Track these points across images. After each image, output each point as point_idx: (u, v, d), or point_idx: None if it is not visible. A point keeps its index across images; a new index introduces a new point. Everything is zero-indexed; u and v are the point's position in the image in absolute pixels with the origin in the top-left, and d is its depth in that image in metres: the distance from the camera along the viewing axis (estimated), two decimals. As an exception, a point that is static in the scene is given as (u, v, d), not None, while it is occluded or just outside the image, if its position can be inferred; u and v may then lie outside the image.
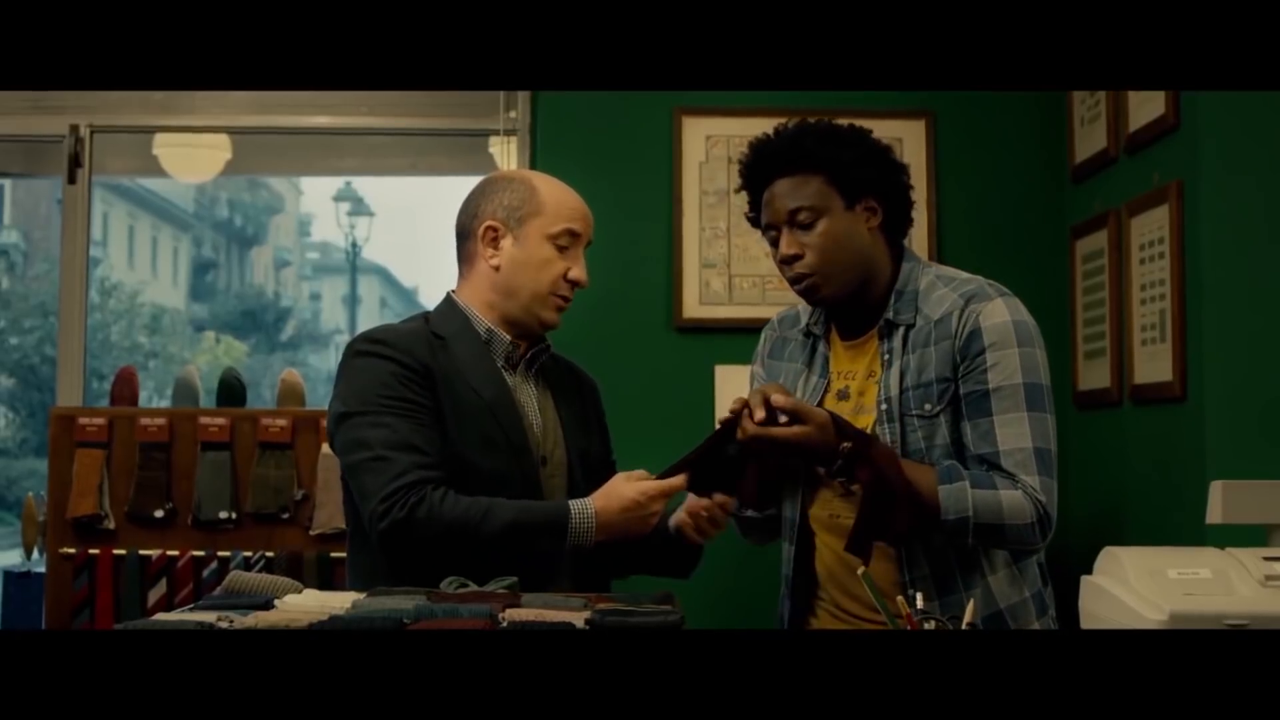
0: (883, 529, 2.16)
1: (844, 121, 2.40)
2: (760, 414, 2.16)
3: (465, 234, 2.44)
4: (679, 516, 2.39)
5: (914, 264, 2.38)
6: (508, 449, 2.33)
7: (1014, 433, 2.21)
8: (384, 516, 2.20)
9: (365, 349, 2.34)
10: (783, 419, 2.16)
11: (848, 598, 2.34)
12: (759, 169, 2.36)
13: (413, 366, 2.30)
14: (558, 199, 2.40)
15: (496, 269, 2.39)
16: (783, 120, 2.43)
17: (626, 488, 2.27)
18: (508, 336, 2.40)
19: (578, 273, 2.39)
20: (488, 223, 2.39)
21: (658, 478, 2.29)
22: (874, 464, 2.14)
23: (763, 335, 2.61)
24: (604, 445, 2.58)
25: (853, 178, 2.29)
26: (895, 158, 2.38)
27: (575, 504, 2.27)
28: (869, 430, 2.27)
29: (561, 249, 2.38)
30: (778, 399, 2.16)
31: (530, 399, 2.43)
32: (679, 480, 2.27)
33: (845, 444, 2.15)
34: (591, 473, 2.44)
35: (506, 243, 2.39)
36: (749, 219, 2.44)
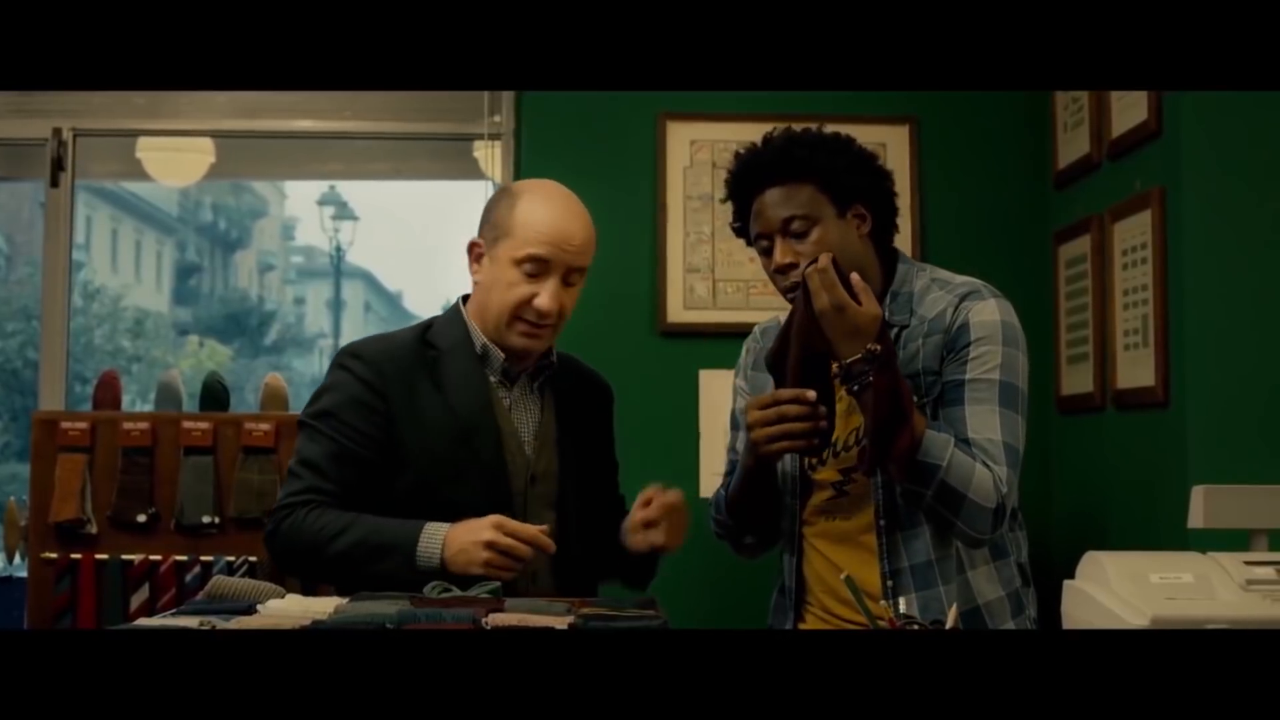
0: (887, 447, 2.15)
1: (829, 128, 2.41)
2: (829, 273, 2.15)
3: None
4: (630, 529, 2.36)
5: (909, 266, 2.40)
6: (478, 473, 2.32)
7: (985, 423, 2.23)
8: (265, 529, 2.33)
9: (342, 360, 2.37)
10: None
11: (836, 601, 2.35)
12: (749, 178, 2.36)
13: (374, 388, 2.31)
14: (530, 221, 2.31)
15: (477, 285, 2.39)
16: (768, 126, 2.44)
17: (484, 520, 2.20)
18: (502, 354, 2.38)
19: (542, 300, 2.30)
20: (473, 239, 2.39)
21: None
22: (893, 373, 2.13)
23: (745, 347, 2.61)
24: (603, 461, 2.55)
25: (844, 185, 2.30)
26: (881, 165, 2.39)
27: (430, 527, 2.21)
28: (859, 429, 2.27)
29: (529, 275, 2.31)
30: (856, 276, 2.18)
31: (528, 416, 2.41)
32: (542, 537, 2.20)
33: (875, 345, 2.13)
34: (588, 487, 2.43)
35: (485, 261, 2.37)
36: (734, 229, 2.43)
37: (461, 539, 2.17)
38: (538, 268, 2.31)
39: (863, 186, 2.33)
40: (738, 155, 2.39)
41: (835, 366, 2.21)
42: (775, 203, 2.31)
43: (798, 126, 2.40)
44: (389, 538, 2.21)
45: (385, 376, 2.32)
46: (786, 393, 2.19)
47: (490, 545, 2.15)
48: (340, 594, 2.14)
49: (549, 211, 2.33)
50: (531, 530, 2.18)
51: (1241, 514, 2.08)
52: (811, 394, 2.18)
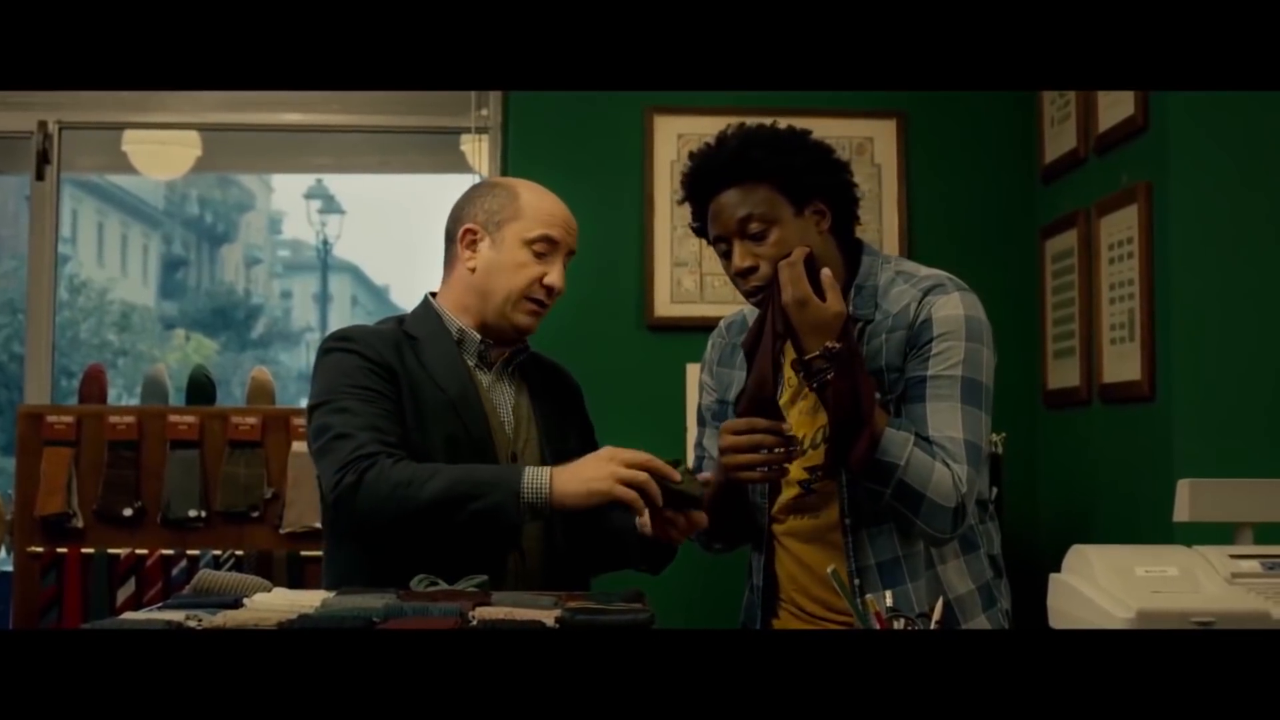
0: (845, 448, 2.14)
1: (817, 123, 2.39)
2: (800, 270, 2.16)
3: (448, 238, 2.49)
4: (644, 522, 2.36)
5: (874, 258, 2.37)
6: (469, 446, 2.34)
7: (946, 420, 2.20)
8: (337, 485, 2.20)
9: (333, 345, 2.40)
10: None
11: (808, 599, 2.35)
12: (704, 180, 2.32)
13: (376, 360, 2.35)
14: (538, 205, 2.43)
15: (473, 271, 2.43)
16: (756, 120, 2.41)
17: (599, 455, 2.20)
18: (478, 336, 2.43)
19: (553, 278, 2.41)
20: (466, 226, 2.44)
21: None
22: (853, 377, 2.12)
23: (710, 342, 2.58)
24: (583, 445, 2.56)
25: (800, 183, 2.26)
26: (838, 158, 2.35)
27: (530, 467, 2.22)
28: (824, 427, 2.26)
29: (538, 255, 2.41)
30: (827, 272, 2.18)
31: (504, 398, 2.45)
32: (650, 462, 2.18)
33: (834, 343, 2.12)
34: None
35: (484, 246, 2.43)
36: (693, 229, 2.41)
37: (578, 473, 2.18)
38: (548, 247, 2.41)
39: (821, 183, 2.29)
40: (692, 155, 2.36)
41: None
42: (731, 204, 2.27)
43: (752, 122, 2.35)
44: (489, 476, 2.21)
45: (379, 351, 2.37)
46: (763, 423, 2.19)
47: (620, 479, 2.15)
48: (329, 588, 2.14)
49: (549, 198, 2.47)
50: (651, 460, 2.18)
51: (1226, 508, 2.09)
52: (788, 426, 2.19)
